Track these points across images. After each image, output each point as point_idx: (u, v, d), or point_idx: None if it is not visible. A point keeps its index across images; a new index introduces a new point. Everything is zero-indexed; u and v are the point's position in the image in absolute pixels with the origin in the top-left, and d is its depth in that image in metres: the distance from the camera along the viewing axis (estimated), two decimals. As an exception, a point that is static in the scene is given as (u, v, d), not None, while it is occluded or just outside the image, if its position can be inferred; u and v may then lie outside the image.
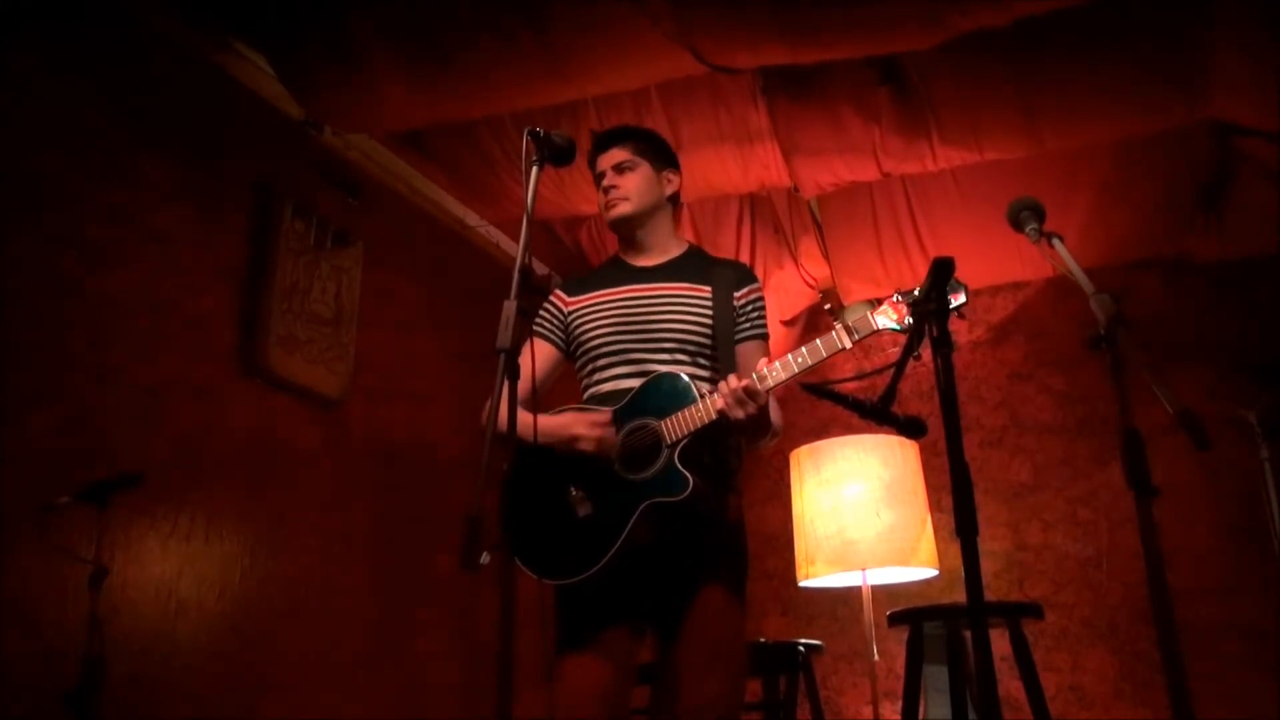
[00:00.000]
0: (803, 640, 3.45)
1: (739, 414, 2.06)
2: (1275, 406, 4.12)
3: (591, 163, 2.46)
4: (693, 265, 2.41)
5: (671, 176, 2.47)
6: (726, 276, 2.36)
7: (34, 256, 2.57)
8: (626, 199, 2.39)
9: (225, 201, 3.16)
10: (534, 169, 2.01)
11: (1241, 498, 4.17)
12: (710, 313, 2.30)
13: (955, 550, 1.57)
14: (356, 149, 3.71)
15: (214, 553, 2.92)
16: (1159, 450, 1.85)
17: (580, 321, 2.37)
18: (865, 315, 2.07)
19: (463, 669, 3.75)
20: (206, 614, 2.86)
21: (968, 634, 2.98)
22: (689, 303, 2.31)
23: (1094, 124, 3.44)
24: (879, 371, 4.48)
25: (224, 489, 2.97)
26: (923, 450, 3.85)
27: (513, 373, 1.77)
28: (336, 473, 3.39)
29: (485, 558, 1.59)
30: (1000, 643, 2.99)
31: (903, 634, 3.19)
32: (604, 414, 2.20)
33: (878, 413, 1.78)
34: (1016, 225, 1.98)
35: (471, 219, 4.27)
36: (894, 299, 2.06)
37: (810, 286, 4.72)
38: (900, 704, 3.10)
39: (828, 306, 4.43)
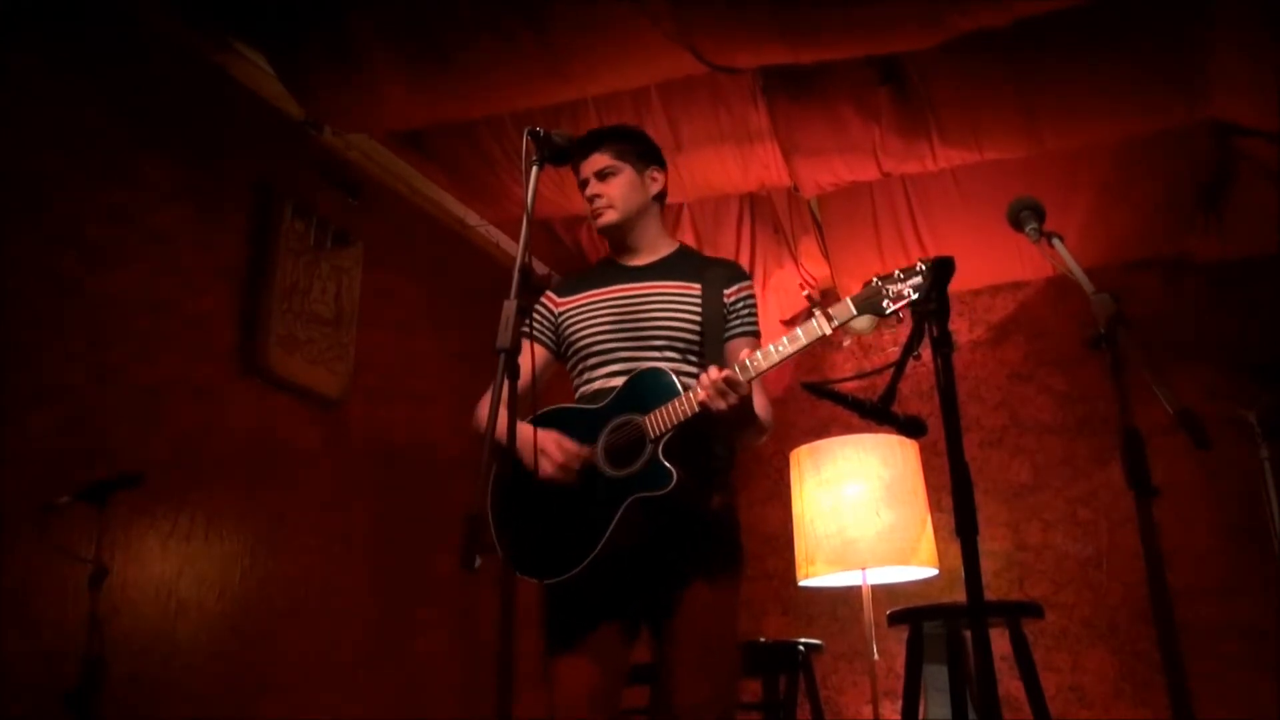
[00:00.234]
0: (803, 640, 3.46)
1: (720, 405, 2.04)
2: (1275, 406, 4.12)
3: (574, 169, 2.44)
4: (683, 264, 2.41)
5: (656, 175, 2.45)
6: (717, 274, 2.36)
7: (34, 256, 2.57)
8: (612, 207, 2.38)
9: (225, 201, 3.16)
10: (534, 169, 2.01)
11: (1241, 498, 4.17)
12: (699, 310, 2.30)
13: (955, 550, 1.57)
14: (356, 149, 3.71)
15: (214, 553, 2.92)
16: (1159, 450, 1.85)
17: (570, 321, 2.37)
18: (846, 302, 2.04)
19: (463, 669, 3.75)
20: (206, 614, 2.86)
21: (968, 634, 2.98)
22: (677, 300, 2.31)
23: (1094, 124, 3.44)
24: (879, 371, 4.49)
25: (224, 489, 2.97)
26: (923, 450, 3.85)
27: (513, 373, 1.77)
28: (336, 473, 3.39)
29: (477, 561, 1.58)
30: (1000, 642, 2.98)
31: (903, 634, 3.19)
32: (581, 448, 2.17)
33: (878, 412, 1.78)
34: (1016, 225, 1.98)
35: (471, 219, 4.27)
36: (874, 283, 2.03)
37: (810, 286, 4.72)
38: (900, 704, 3.10)
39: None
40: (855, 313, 2.03)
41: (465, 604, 3.76)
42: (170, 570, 2.78)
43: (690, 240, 4.24)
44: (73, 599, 2.42)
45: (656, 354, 2.27)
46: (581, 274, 2.54)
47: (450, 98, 3.21)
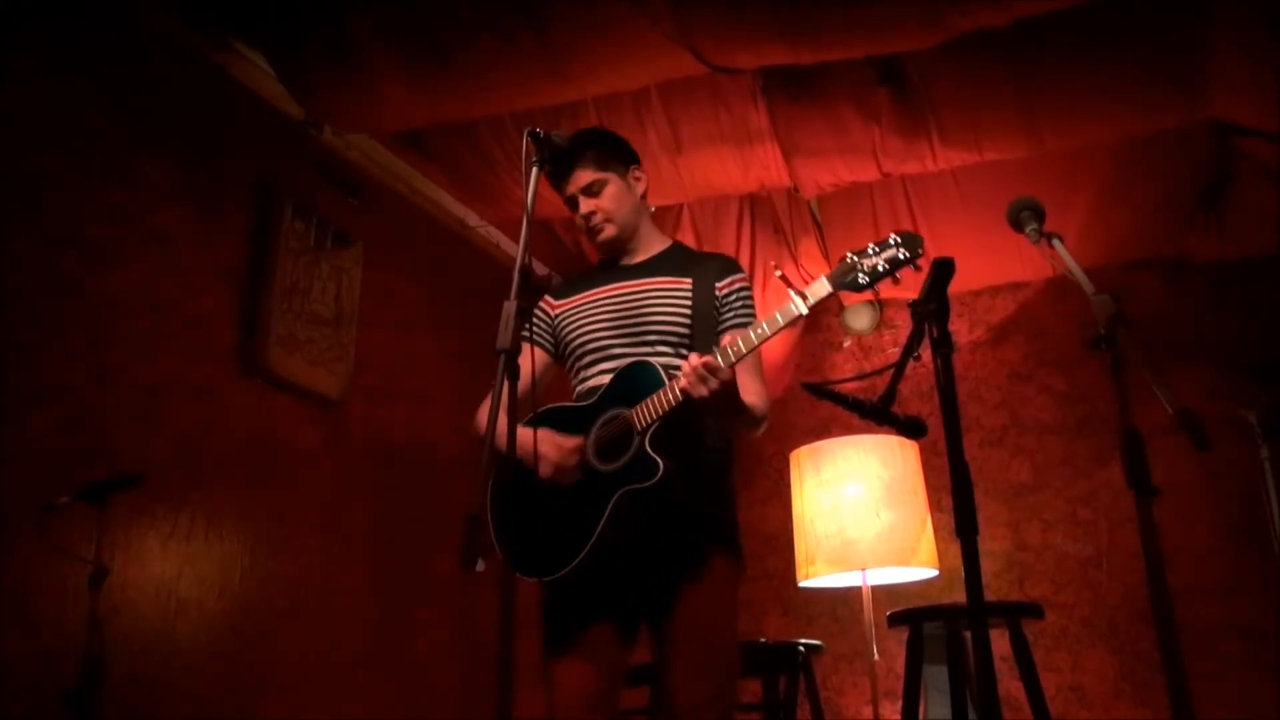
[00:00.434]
0: (803, 640, 3.45)
1: (702, 390, 2.02)
2: (1275, 406, 4.12)
3: (556, 187, 2.42)
4: (675, 260, 2.41)
5: (638, 174, 2.45)
6: (709, 268, 2.35)
7: (34, 256, 2.57)
8: (610, 220, 2.38)
9: (225, 201, 3.16)
10: (534, 169, 2.01)
11: (1241, 498, 4.17)
12: (689, 304, 2.30)
13: (955, 550, 1.57)
14: (356, 149, 3.71)
15: (214, 553, 2.92)
16: (1159, 450, 1.85)
17: (566, 322, 2.38)
18: (821, 279, 2.05)
19: (463, 669, 3.75)
20: (206, 614, 2.86)
21: (968, 634, 2.98)
22: (668, 295, 2.31)
23: (1094, 124, 3.44)
24: (879, 372, 4.49)
25: (224, 489, 2.97)
26: (923, 450, 3.85)
27: (513, 374, 1.77)
28: (336, 473, 3.39)
29: (480, 565, 1.59)
30: (1000, 643, 2.98)
31: (903, 634, 3.19)
32: (574, 440, 2.18)
33: (878, 413, 1.78)
34: (1016, 225, 1.98)
35: (471, 219, 4.27)
36: (848, 258, 2.04)
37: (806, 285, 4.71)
38: (900, 704, 3.10)
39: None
40: (831, 289, 2.05)
41: (465, 604, 3.76)
42: (170, 570, 2.78)
43: (690, 241, 4.24)
44: (73, 599, 2.42)
45: (648, 349, 2.27)
46: (577, 276, 2.55)
47: (450, 98, 3.21)
